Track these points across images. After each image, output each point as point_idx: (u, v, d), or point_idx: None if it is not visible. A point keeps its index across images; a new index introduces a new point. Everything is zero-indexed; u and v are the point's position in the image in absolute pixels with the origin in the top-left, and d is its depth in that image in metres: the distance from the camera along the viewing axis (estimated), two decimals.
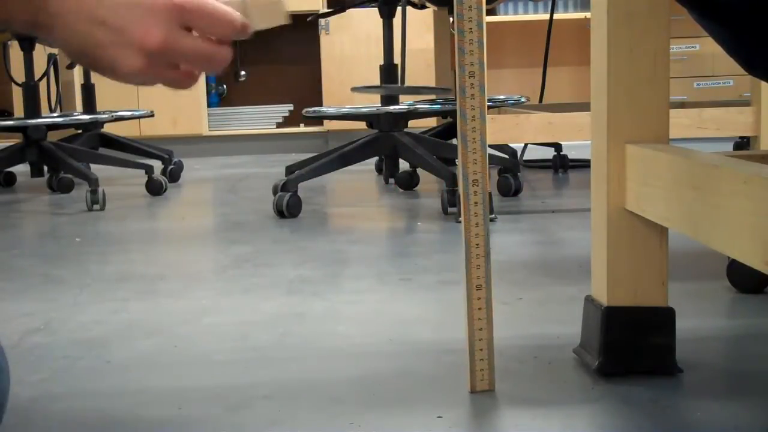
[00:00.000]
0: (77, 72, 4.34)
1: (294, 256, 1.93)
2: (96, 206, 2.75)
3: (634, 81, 1.08)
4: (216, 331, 1.38)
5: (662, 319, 1.11)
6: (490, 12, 4.32)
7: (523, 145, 3.63)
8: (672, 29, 1.08)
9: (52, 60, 3.53)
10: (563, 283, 1.60)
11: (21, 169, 3.59)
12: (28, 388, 1.14)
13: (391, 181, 3.09)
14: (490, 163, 1.12)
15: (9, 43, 3.59)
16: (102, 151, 3.55)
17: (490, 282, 1.05)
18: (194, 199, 3.12)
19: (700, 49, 4.51)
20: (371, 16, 4.32)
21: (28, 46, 3.31)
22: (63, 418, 1.05)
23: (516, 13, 4.84)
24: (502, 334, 1.28)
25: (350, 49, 4.55)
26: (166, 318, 1.46)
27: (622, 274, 1.11)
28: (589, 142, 1.16)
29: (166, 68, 0.70)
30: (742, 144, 3.43)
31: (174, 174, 3.45)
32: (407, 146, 2.69)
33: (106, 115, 3.66)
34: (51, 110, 3.89)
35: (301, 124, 4.74)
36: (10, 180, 3.57)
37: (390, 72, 2.81)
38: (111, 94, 4.28)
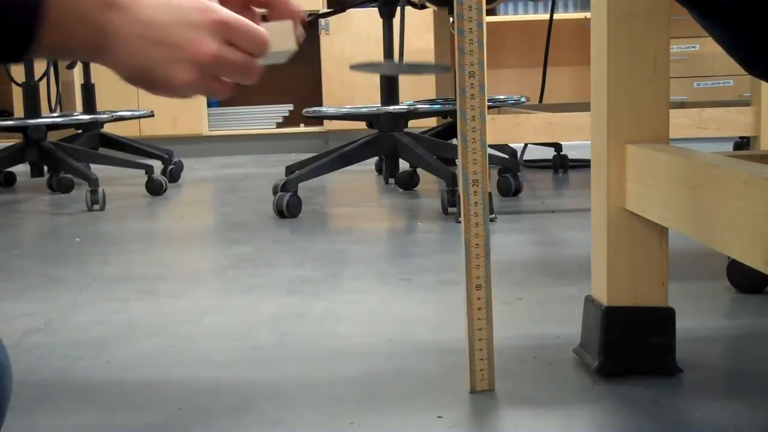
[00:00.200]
0: (77, 72, 4.34)
1: (294, 256, 1.93)
2: (96, 206, 2.75)
3: (634, 81, 1.08)
4: (216, 331, 1.38)
5: (662, 319, 1.11)
6: (490, 12, 4.32)
7: (523, 145, 3.63)
8: (672, 29, 1.08)
9: (51, 60, 3.53)
10: (563, 283, 1.60)
11: (21, 169, 3.59)
12: (28, 388, 1.14)
13: (391, 181, 3.09)
14: (490, 163, 1.12)
15: None
16: (102, 151, 3.55)
17: (490, 282, 1.05)
18: (194, 199, 3.12)
19: (700, 49, 4.51)
20: (371, 16, 4.31)
21: None
22: (63, 418, 1.05)
23: (516, 13, 4.84)
24: (502, 334, 1.28)
25: (350, 49, 4.55)
26: (166, 318, 1.46)
27: (622, 274, 1.11)
28: (589, 142, 1.16)
29: (212, 80, 0.76)
30: (742, 144, 3.43)
31: (174, 174, 3.45)
32: (407, 146, 2.68)
33: (106, 115, 3.66)
34: (51, 110, 3.88)
35: (301, 124, 4.74)
36: (10, 180, 3.57)
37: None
38: (111, 94, 4.28)
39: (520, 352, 1.21)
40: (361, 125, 3.31)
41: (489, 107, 3.01)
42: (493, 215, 2.33)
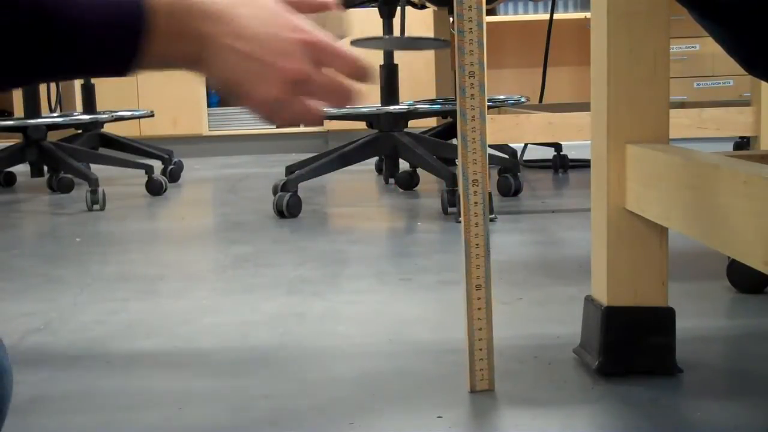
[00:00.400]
0: None
1: (294, 256, 1.93)
2: (96, 206, 2.75)
3: (634, 81, 1.08)
4: (216, 331, 1.38)
5: (662, 319, 1.11)
6: (490, 12, 4.31)
7: (523, 145, 3.63)
8: (672, 29, 1.08)
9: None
10: (563, 283, 1.60)
11: (21, 169, 3.59)
12: (28, 388, 1.14)
13: (391, 181, 3.09)
14: (490, 163, 1.12)
15: None
16: (102, 151, 3.55)
17: (490, 282, 1.05)
18: (194, 199, 3.12)
19: (700, 49, 4.51)
20: (371, 16, 4.31)
21: None
22: (63, 418, 1.05)
23: (516, 13, 4.84)
24: (502, 334, 1.28)
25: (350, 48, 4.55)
26: (166, 318, 1.46)
27: (622, 274, 1.11)
28: (589, 142, 1.16)
29: (297, 100, 0.78)
30: (742, 144, 3.43)
31: (174, 174, 3.45)
32: (407, 146, 2.69)
33: (106, 115, 3.66)
34: (51, 110, 3.88)
35: (301, 124, 4.74)
36: (10, 180, 3.57)
37: (390, 71, 2.81)
38: (111, 95, 4.28)
39: (520, 352, 1.21)
40: (361, 125, 3.31)
41: (489, 107, 3.01)
42: (493, 215, 2.33)
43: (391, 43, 2.72)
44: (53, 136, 3.36)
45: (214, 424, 1.01)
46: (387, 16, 2.73)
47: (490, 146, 2.83)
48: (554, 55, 4.62)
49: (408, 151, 2.70)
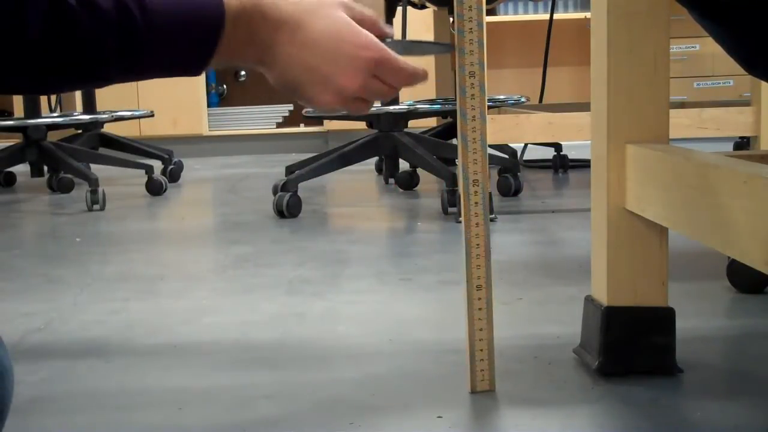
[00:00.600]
0: None
1: (294, 256, 1.93)
2: (96, 206, 2.75)
3: (634, 81, 1.08)
4: (216, 331, 1.38)
5: (662, 319, 1.11)
6: (490, 12, 4.31)
7: (523, 145, 3.63)
8: (672, 29, 1.08)
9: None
10: (563, 283, 1.60)
11: (21, 169, 3.59)
12: (28, 388, 1.14)
13: (391, 181, 3.09)
14: (490, 163, 1.12)
15: None
16: (102, 151, 3.55)
17: (491, 282, 1.05)
18: (194, 199, 3.12)
19: (700, 49, 4.51)
20: None
21: None
22: (63, 418, 1.05)
23: (516, 13, 4.83)
24: (502, 334, 1.28)
25: None
26: (166, 318, 1.46)
27: (622, 274, 1.11)
28: (589, 142, 1.16)
29: (352, 103, 0.84)
30: (742, 144, 3.43)
31: (174, 174, 3.45)
32: (407, 146, 2.68)
33: (106, 115, 3.66)
34: (51, 110, 3.88)
35: (301, 124, 4.74)
36: (10, 180, 3.57)
37: None
38: (111, 95, 4.28)
39: (520, 352, 1.21)
40: (361, 125, 3.31)
41: (489, 107, 3.01)
42: (493, 215, 2.33)
43: (392, 46, 2.73)
44: (53, 136, 3.35)
45: (214, 424, 1.01)
46: (387, 16, 2.73)
47: (490, 146, 2.83)
48: (554, 55, 4.61)
49: (408, 151, 2.70)
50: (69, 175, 3.21)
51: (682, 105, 2.68)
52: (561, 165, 3.41)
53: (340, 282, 1.68)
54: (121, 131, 4.01)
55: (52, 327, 1.43)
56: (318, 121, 4.61)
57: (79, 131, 3.66)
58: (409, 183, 2.99)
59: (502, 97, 3.39)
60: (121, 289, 1.68)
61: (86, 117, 3.52)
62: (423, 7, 3.07)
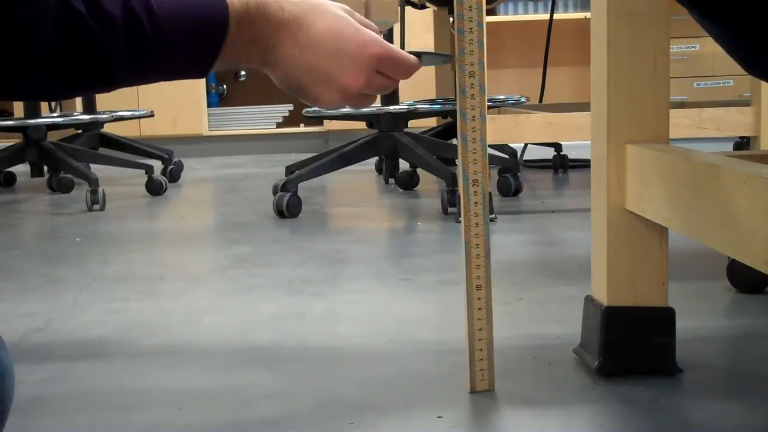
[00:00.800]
0: None
1: (294, 256, 1.93)
2: (96, 206, 2.75)
3: (634, 81, 1.08)
4: (216, 331, 1.38)
5: (662, 319, 1.11)
6: (490, 12, 4.31)
7: (523, 145, 3.63)
8: (672, 29, 1.08)
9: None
10: (563, 283, 1.60)
11: (21, 169, 3.59)
12: (28, 388, 1.14)
13: (391, 181, 3.09)
14: (490, 163, 1.12)
15: None
16: (102, 151, 3.55)
17: (490, 282, 1.05)
18: (194, 199, 3.12)
19: (700, 49, 4.51)
20: None
21: None
22: (63, 418, 1.05)
23: (516, 13, 4.83)
24: (502, 334, 1.28)
25: None
26: (166, 318, 1.46)
27: (622, 274, 1.10)
28: (589, 142, 1.16)
29: (356, 98, 0.85)
30: (742, 144, 3.43)
31: (174, 174, 3.45)
32: (407, 146, 2.68)
33: (106, 115, 3.66)
34: (51, 110, 3.88)
35: (301, 124, 4.74)
36: (10, 180, 3.57)
37: None
38: (111, 95, 4.27)
39: (520, 352, 1.21)
40: (361, 125, 3.31)
41: (489, 107, 3.01)
42: (493, 215, 2.33)
43: None
44: (53, 136, 3.36)
45: (214, 423, 1.01)
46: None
47: (490, 146, 2.83)
48: (554, 55, 4.61)
49: (408, 151, 2.70)
50: (69, 175, 3.21)
51: (682, 105, 2.68)
52: (561, 165, 3.41)
53: (340, 282, 1.68)
54: (121, 131, 4.01)
55: (52, 327, 1.43)
56: (318, 121, 4.61)
57: (79, 131, 3.66)
58: (409, 183, 2.99)
59: (502, 97, 3.39)
60: (121, 289, 1.68)
61: (86, 117, 3.52)
62: (423, 7, 3.07)
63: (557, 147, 3.52)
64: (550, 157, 3.46)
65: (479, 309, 1.05)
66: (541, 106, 3.01)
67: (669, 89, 1.08)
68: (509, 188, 2.72)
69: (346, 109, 3.04)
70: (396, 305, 1.50)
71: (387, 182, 3.14)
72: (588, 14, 4.50)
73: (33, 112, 3.27)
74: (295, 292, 1.61)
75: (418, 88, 4.13)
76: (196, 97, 4.57)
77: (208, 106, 4.75)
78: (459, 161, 1.02)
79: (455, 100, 1.01)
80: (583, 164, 3.45)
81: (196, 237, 2.29)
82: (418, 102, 3.20)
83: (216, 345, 1.31)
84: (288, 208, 2.46)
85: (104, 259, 1.99)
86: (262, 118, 4.80)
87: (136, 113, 3.86)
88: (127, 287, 1.69)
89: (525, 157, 3.60)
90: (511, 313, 1.42)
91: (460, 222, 1.04)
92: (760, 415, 0.98)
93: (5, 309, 1.56)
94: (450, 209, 2.41)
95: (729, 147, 3.60)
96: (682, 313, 1.14)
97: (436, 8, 3.25)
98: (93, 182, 2.76)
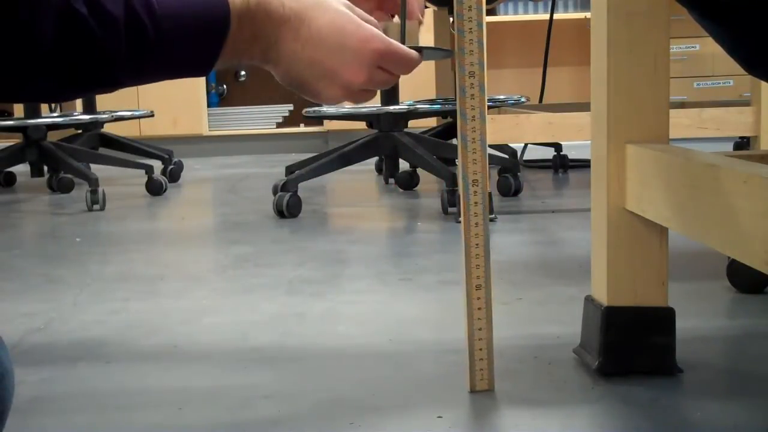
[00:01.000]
0: None
1: (294, 256, 1.93)
2: (96, 206, 2.75)
3: (634, 81, 1.08)
4: (216, 331, 1.38)
5: (662, 319, 1.11)
6: (490, 12, 4.31)
7: (523, 145, 3.63)
8: (672, 29, 1.08)
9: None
10: (563, 283, 1.60)
11: (21, 169, 3.59)
12: (28, 388, 1.14)
13: (391, 181, 3.09)
14: (490, 163, 1.12)
15: None
16: (102, 151, 3.55)
17: (490, 282, 1.05)
18: (194, 199, 3.12)
19: (700, 49, 4.51)
20: None
21: None
22: (63, 418, 1.05)
23: (516, 13, 4.84)
24: (502, 334, 1.28)
25: None
26: (166, 318, 1.46)
27: (622, 274, 1.10)
28: (589, 142, 1.16)
29: (358, 93, 0.85)
30: (742, 144, 3.43)
31: (174, 174, 3.45)
32: (407, 146, 2.68)
33: (106, 115, 3.66)
34: (51, 110, 3.88)
35: (301, 124, 4.74)
36: (10, 180, 3.57)
37: None
38: (111, 95, 4.27)
39: (520, 352, 1.21)
40: (361, 125, 3.31)
41: (489, 107, 3.01)
42: (493, 215, 2.33)
43: None
44: (53, 136, 3.36)
45: (214, 423, 1.01)
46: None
47: (490, 146, 2.83)
48: (554, 55, 4.61)
49: (408, 151, 2.70)
50: (69, 175, 3.21)
51: (682, 105, 2.68)
52: (561, 165, 3.41)
53: (340, 282, 1.68)
54: (121, 131, 4.01)
55: (52, 327, 1.43)
56: (318, 121, 4.61)
57: (79, 131, 3.66)
58: (409, 183, 2.99)
59: (502, 97, 3.39)
60: (121, 289, 1.68)
61: (86, 117, 3.52)
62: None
63: (557, 147, 3.52)
64: (550, 157, 3.46)
65: (479, 309, 1.05)
66: (541, 106, 3.01)
67: (669, 89, 1.08)
68: (509, 188, 2.72)
69: (347, 109, 3.04)
70: (396, 305, 1.50)
71: (387, 182, 3.14)
72: (588, 14, 4.50)
73: (33, 112, 3.27)
74: (295, 292, 1.61)
75: (418, 88, 4.14)
76: (196, 97, 4.57)
77: (208, 106, 4.75)
78: (459, 161, 1.02)
79: (455, 100, 1.01)
80: (583, 164, 3.45)
81: (196, 237, 2.29)
82: (418, 102, 3.20)
83: (216, 345, 1.31)
84: (288, 208, 2.46)
85: (104, 259, 1.99)
86: (262, 118, 4.80)
87: (136, 113, 3.86)
88: (127, 287, 1.69)
89: (525, 157, 3.60)
90: (511, 313, 1.42)
91: (460, 222, 1.04)
92: (760, 415, 0.98)
93: (5, 309, 1.56)
94: (450, 209, 2.41)
95: (729, 147, 3.60)
96: (682, 313, 1.14)
97: (436, 8, 3.26)
98: (93, 182, 2.76)
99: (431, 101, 3.24)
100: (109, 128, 3.82)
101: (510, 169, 2.74)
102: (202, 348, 1.30)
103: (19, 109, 4.05)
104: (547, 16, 3.15)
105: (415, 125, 3.43)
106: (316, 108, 3.07)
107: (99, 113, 3.67)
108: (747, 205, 0.81)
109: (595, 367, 1.11)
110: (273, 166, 3.98)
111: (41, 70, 0.69)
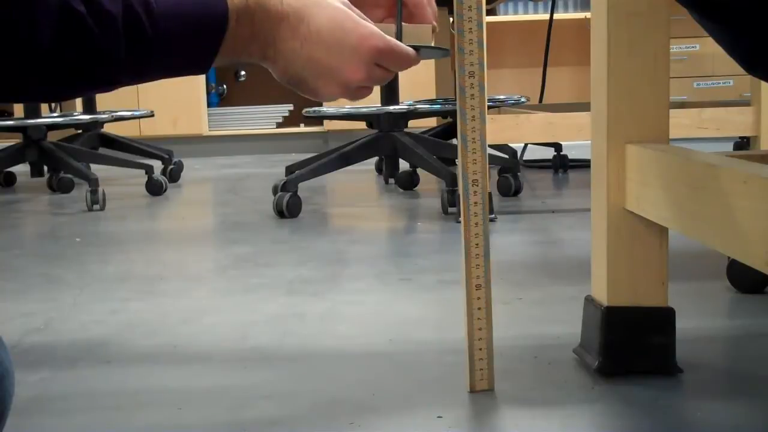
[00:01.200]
0: None
1: (294, 256, 1.93)
2: (96, 206, 2.75)
3: (634, 81, 1.08)
4: (216, 331, 1.38)
5: (662, 319, 1.11)
6: (490, 12, 4.31)
7: (523, 145, 3.63)
8: (672, 29, 1.08)
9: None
10: (563, 283, 1.60)
11: (21, 169, 3.59)
12: (28, 388, 1.14)
13: (391, 181, 3.09)
14: (490, 163, 1.12)
15: None
16: (102, 151, 3.55)
17: (490, 282, 1.05)
18: (194, 199, 3.12)
19: (700, 49, 4.51)
20: None
21: None
22: (63, 418, 1.05)
23: (516, 13, 4.84)
24: (502, 334, 1.28)
25: None
26: (166, 318, 1.46)
27: (622, 274, 1.10)
28: (589, 142, 1.16)
29: (357, 91, 0.85)
30: (742, 144, 3.43)
31: (174, 174, 3.45)
32: (407, 146, 2.68)
33: (106, 115, 3.66)
34: (51, 110, 3.88)
35: (301, 124, 4.74)
36: (10, 180, 3.57)
37: None
38: (111, 95, 4.27)
39: (520, 352, 1.21)
40: (361, 125, 3.32)
41: (489, 107, 3.01)
42: (493, 215, 2.33)
43: None
44: (53, 136, 3.36)
45: (214, 423, 1.01)
46: None
47: (490, 146, 2.83)
48: (554, 55, 4.61)
49: (408, 151, 2.70)
50: (69, 175, 3.21)
51: (682, 105, 2.68)
52: (561, 165, 3.41)
53: (340, 282, 1.68)
54: (121, 131, 4.01)
55: (52, 327, 1.43)
56: (318, 121, 4.61)
57: (79, 131, 3.66)
58: (409, 183, 2.99)
59: (502, 97, 3.39)
60: (121, 289, 1.68)
61: (86, 117, 3.52)
62: None
63: (557, 147, 3.52)
64: (550, 157, 3.46)
65: (479, 309, 1.05)
66: (541, 106, 3.01)
67: (669, 89, 1.08)
68: (509, 188, 2.72)
69: (347, 109, 3.04)
70: (396, 305, 1.50)
71: (387, 182, 3.14)
72: (588, 14, 4.50)
73: (33, 112, 3.27)
74: (295, 292, 1.61)
75: (418, 88, 4.14)
76: (196, 96, 4.57)
77: (208, 106, 4.75)
78: (459, 161, 1.02)
79: (455, 100, 1.01)
80: (583, 164, 3.45)
81: (196, 237, 2.29)
82: (418, 102, 3.20)
83: (216, 345, 1.31)
84: (288, 208, 2.46)
85: (104, 259, 1.99)
86: (262, 118, 4.80)
87: (136, 113, 3.86)
88: (126, 287, 1.69)
89: (525, 157, 3.60)
90: (511, 313, 1.42)
91: (460, 222, 1.04)
92: (760, 415, 0.98)
93: (5, 309, 1.56)
94: (450, 209, 2.41)
95: (729, 147, 3.60)
96: (682, 313, 1.14)
97: (436, 8, 3.25)
98: (93, 182, 2.76)
99: (431, 101, 3.24)
100: (109, 128, 3.82)
101: (510, 169, 2.74)
102: (202, 348, 1.30)
103: (19, 109, 4.05)
104: (547, 16, 3.15)
105: (415, 125, 3.43)
106: (316, 108, 3.07)
107: (99, 113, 3.67)
108: (747, 205, 0.81)
109: (595, 367, 1.11)
110: (273, 166, 3.98)
111: (40, 70, 0.69)
